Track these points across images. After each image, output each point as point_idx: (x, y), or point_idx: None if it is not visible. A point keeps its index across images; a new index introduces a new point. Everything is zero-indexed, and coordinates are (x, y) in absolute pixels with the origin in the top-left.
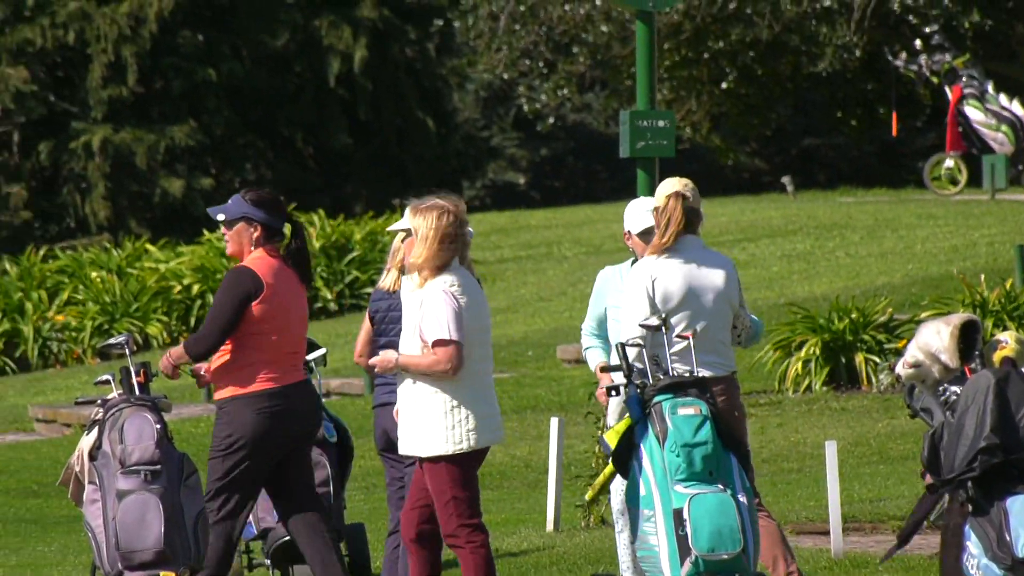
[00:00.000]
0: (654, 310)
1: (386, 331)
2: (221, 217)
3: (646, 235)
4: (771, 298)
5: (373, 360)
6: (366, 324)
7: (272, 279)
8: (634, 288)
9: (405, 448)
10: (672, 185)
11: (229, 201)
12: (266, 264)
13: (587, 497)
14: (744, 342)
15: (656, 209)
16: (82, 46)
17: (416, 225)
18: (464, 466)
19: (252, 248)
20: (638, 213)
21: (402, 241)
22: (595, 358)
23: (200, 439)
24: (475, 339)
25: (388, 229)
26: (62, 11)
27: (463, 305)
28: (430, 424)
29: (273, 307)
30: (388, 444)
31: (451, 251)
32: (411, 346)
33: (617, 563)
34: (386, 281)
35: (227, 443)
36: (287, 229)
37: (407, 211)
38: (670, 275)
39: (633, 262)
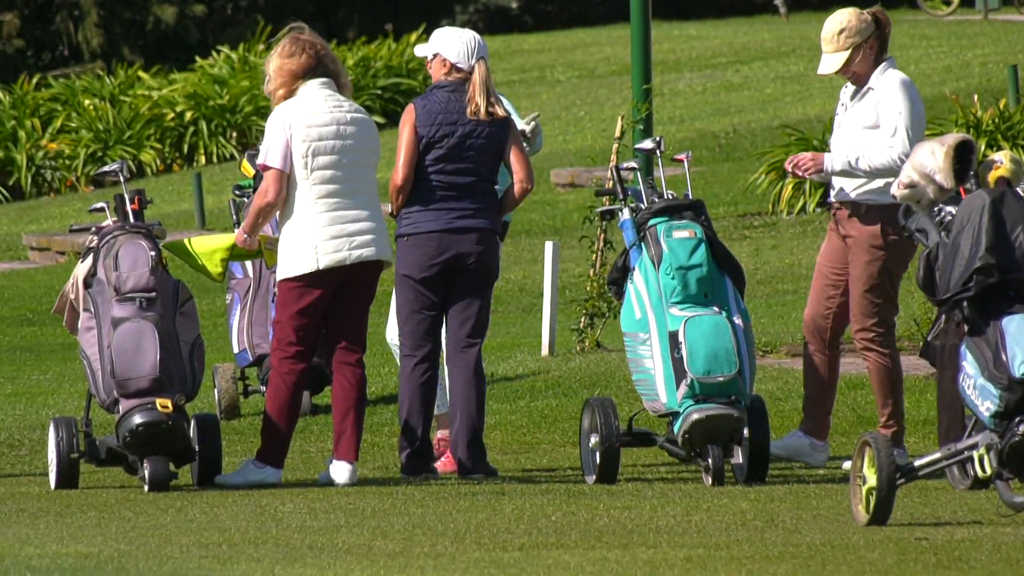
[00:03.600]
0: None
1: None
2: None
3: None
4: (764, 120)
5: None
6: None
7: None
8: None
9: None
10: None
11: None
12: None
13: None
14: None
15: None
16: None
17: (269, 63)
18: (301, 290)
19: None
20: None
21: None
22: None
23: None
24: (322, 159)
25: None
26: None
27: (292, 124)
28: (283, 250)
29: None
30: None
31: (294, 67)
32: None
33: (613, 388)
34: None
35: None
36: None
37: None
38: None
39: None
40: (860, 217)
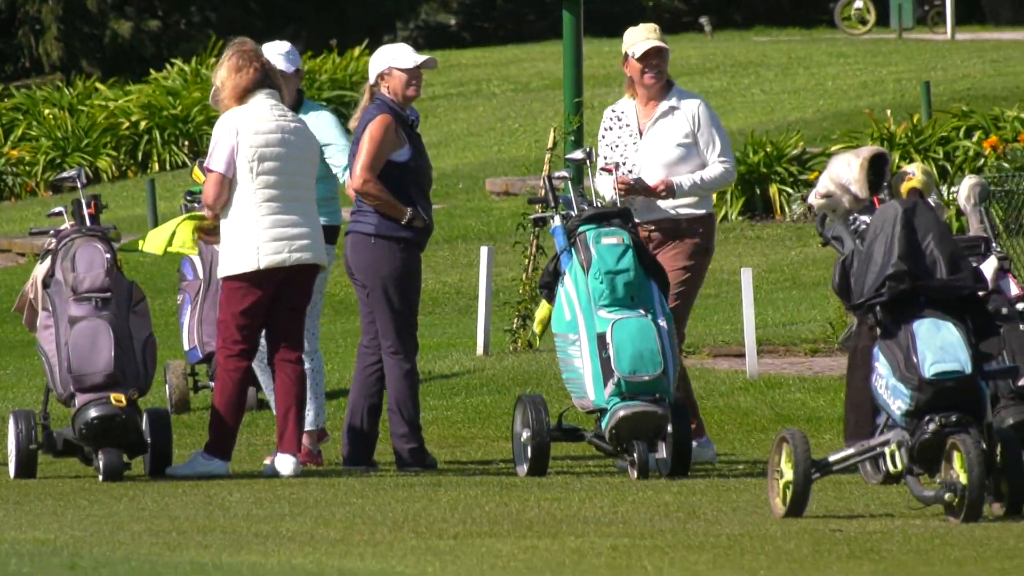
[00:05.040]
0: None
1: None
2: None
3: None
4: None
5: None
6: None
7: None
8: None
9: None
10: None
11: None
12: None
13: (536, 331)
14: None
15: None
16: None
17: (216, 74)
18: (243, 289)
19: None
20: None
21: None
22: None
23: (148, 268)
24: (267, 164)
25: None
26: None
27: (239, 131)
28: (225, 249)
29: None
30: None
31: (246, 82)
32: None
33: (544, 385)
34: None
35: None
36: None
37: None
38: None
39: None
40: (682, 231)
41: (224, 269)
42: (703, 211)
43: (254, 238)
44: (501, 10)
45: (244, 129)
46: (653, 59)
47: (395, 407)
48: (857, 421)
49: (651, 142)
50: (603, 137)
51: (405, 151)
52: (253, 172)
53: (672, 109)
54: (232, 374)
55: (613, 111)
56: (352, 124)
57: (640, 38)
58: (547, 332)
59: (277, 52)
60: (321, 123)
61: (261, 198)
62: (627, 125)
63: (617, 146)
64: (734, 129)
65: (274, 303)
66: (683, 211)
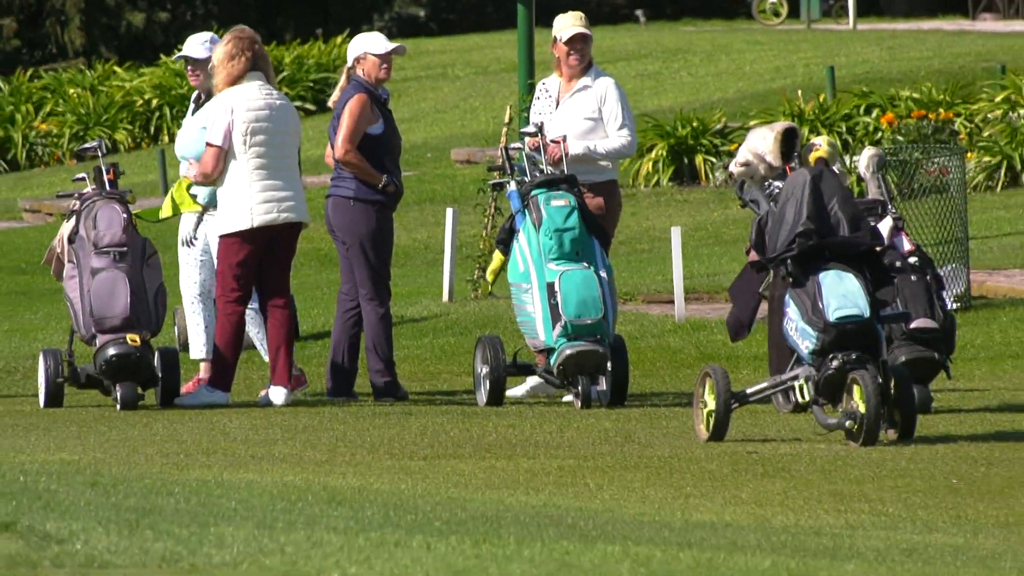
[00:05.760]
0: None
1: None
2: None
3: None
4: None
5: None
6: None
7: None
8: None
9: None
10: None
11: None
12: None
13: (488, 279)
14: None
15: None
16: None
17: (214, 54)
18: (239, 245)
19: None
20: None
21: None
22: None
23: (158, 226)
24: (258, 137)
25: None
26: None
27: (234, 109)
28: (222, 211)
29: None
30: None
31: (237, 70)
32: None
33: (501, 328)
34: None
35: None
36: None
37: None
38: None
39: None
40: (585, 195)
41: (222, 228)
42: (604, 178)
43: (248, 200)
44: (464, 3)
45: (238, 107)
46: (578, 43)
47: (372, 346)
48: (778, 358)
49: (563, 114)
50: (534, 106)
51: (379, 125)
52: (246, 144)
53: (585, 87)
54: (231, 317)
55: (543, 84)
56: (331, 102)
57: (568, 24)
58: (499, 280)
59: (198, 42)
60: None
61: (253, 166)
62: (550, 97)
63: (541, 114)
64: (665, 107)
65: (264, 257)
66: (585, 177)
